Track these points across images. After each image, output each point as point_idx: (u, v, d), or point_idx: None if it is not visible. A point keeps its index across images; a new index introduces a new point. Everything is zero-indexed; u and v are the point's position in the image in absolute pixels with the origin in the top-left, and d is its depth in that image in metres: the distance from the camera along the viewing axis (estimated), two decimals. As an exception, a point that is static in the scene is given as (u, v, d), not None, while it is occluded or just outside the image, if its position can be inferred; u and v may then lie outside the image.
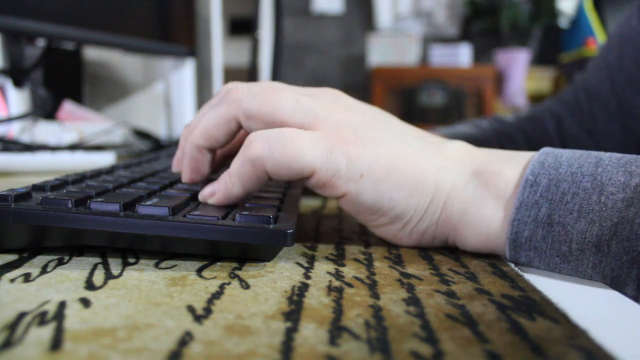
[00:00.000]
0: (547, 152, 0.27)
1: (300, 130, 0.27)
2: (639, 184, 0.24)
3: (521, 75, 2.88)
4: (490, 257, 0.27)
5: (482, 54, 3.12)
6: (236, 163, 0.27)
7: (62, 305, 0.18)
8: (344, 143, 0.26)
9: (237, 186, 0.27)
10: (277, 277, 0.23)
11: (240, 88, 0.29)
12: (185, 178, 0.31)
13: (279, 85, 0.29)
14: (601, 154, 0.26)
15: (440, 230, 0.28)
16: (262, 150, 0.26)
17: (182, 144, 0.32)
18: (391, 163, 0.27)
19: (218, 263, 0.25)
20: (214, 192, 0.28)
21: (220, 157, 0.34)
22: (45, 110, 0.71)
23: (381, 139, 0.27)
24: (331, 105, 0.28)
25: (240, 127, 0.29)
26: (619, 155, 0.26)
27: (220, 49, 1.07)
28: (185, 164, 0.31)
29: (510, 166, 0.27)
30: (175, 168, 0.33)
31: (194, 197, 0.29)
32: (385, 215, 0.27)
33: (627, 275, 0.23)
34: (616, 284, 0.23)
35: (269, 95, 0.28)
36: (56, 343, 0.15)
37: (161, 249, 0.25)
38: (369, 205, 0.27)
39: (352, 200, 0.27)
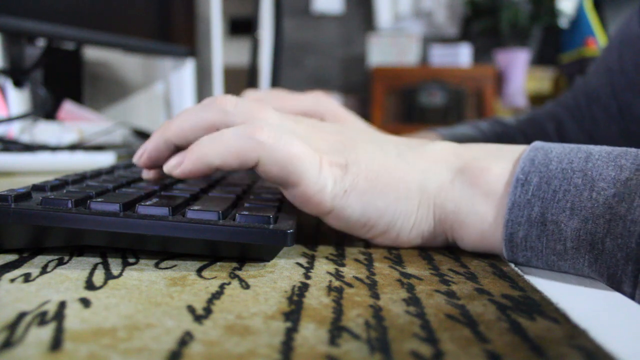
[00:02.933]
0: (537, 148, 0.27)
1: (300, 139, 0.27)
2: (629, 178, 0.24)
3: (521, 76, 2.88)
4: (490, 257, 0.27)
5: (482, 54, 3.12)
6: (229, 136, 0.26)
7: (62, 305, 0.18)
8: (328, 163, 0.27)
9: (216, 158, 0.26)
10: (277, 277, 0.23)
11: (228, 99, 0.29)
12: (140, 163, 0.31)
13: (266, 105, 0.29)
14: (591, 147, 0.26)
15: (439, 230, 0.28)
16: (267, 138, 0.25)
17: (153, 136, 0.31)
18: (372, 174, 0.27)
19: (218, 263, 0.25)
20: (182, 162, 0.27)
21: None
22: (45, 110, 0.71)
23: (361, 155, 0.27)
24: (311, 129, 0.29)
25: None
26: (609, 148, 0.26)
27: (220, 49, 1.07)
28: (147, 151, 0.30)
29: (499, 162, 0.27)
30: (135, 157, 0.31)
31: (194, 197, 0.29)
32: (376, 226, 0.28)
33: (623, 272, 0.23)
34: (613, 281, 0.23)
35: (256, 112, 0.28)
36: (56, 343, 0.15)
37: (161, 249, 0.25)
38: (357, 218, 0.27)
39: (339, 217, 0.27)
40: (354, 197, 0.27)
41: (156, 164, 0.31)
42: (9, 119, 0.63)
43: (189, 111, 0.29)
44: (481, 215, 0.26)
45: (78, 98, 0.98)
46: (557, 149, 0.26)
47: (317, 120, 0.31)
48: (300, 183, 0.26)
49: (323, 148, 0.28)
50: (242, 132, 0.26)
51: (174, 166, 0.27)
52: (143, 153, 0.30)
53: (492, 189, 0.26)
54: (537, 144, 0.27)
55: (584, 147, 0.26)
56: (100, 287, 0.21)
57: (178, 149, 0.30)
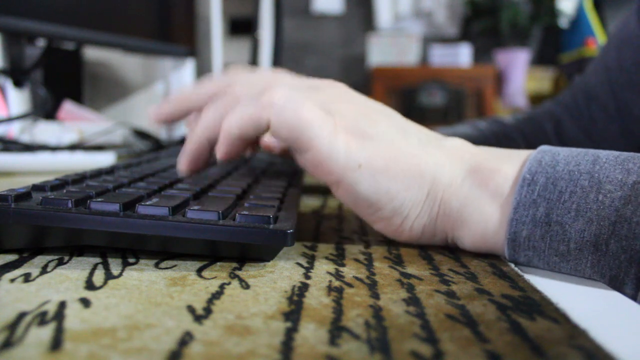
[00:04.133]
0: (545, 150, 0.27)
1: (317, 106, 0.27)
2: (636, 181, 0.24)
3: (521, 75, 2.88)
4: (490, 257, 0.27)
5: (482, 54, 3.12)
6: (244, 103, 0.27)
7: (62, 305, 0.18)
8: (346, 132, 0.26)
9: (235, 128, 0.27)
10: (277, 277, 0.23)
11: (239, 81, 0.30)
12: (185, 168, 0.32)
13: (281, 75, 0.29)
14: (599, 151, 0.26)
15: (440, 227, 0.28)
16: (278, 100, 0.26)
17: (189, 138, 0.32)
18: (390, 155, 0.27)
19: (218, 263, 0.25)
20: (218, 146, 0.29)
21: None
22: (45, 110, 0.71)
23: (382, 133, 0.27)
24: (334, 97, 0.29)
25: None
26: (617, 153, 0.26)
27: (220, 49, 1.07)
28: (188, 153, 0.31)
29: (508, 164, 0.27)
30: (183, 165, 0.33)
31: (194, 197, 0.29)
32: (382, 209, 0.27)
33: (625, 274, 0.23)
34: (615, 283, 0.23)
35: (273, 80, 0.29)
36: (56, 343, 0.15)
37: (161, 249, 0.25)
38: (366, 197, 0.27)
39: (349, 190, 0.27)
40: (368, 174, 0.26)
41: (200, 161, 0.32)
42: (9, 119, 0.63)
43: (205, 111, 0.31)
44: (486, 215, 0.26)
45: (78, 98, 0.98)
46: (564, 152, 0.26)
47: (341, 86, 0.31)
48: (311, 147, 0.26)
49: (344, 115, 0.27)
50: (256, 97, 0.27)
51: (218, 154, 0.29)
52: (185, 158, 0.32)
53: (499, 190, 0.26)
54: (544, 147, 0.27)
55: (591, 151, 0.26)
56: (100, 287, 0.21)
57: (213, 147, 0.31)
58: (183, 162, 0.32)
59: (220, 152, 0.29)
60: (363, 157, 0.26)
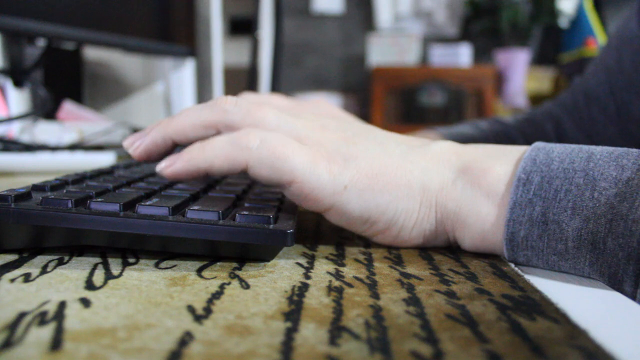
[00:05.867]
0: (539, 148, 0.27)
1: (291, 139, 0.27)
2: (631, 177, 0.24)
3: (521, 75, 2.88)
4: (490, 257, 0.27)
5: (482, 54, 3.12)
6: (219, 142, 0.27)
7: (62, 305, 0.18)
8: (326, 159, 0.27)
9: (204, 162, 0.27)
10: (277, 277, 0.23)
11: (228, 99, 0.29)
12: (134, 153, 0.30)
13: (265, 103, 0.29)
14: (592, 148, 0.26)
15: (440, 229, 0.28)
16: (253, 142, 0.26)
17: (150, 128, 0.31)
18: (373, 171, 0.27)
19: (218, 263, 0.25)
20: (173, 163, 0.27)
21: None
22: (45, 110, 0.71)
23: (362, 153, 0.27)
24: (313, 125, 0.29)
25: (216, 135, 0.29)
26: (611, 148, 0.26)
27: (220, 49, 1.07)
28: (144, 143, 0.30)
29: (501, 162, 0.27)
30: (127, 143, 0.31)
31: (194, 197, 0.29)
32: (377, 223, 0.28)
33: (624, 271, 0.23)
34: (613, 281, 0.23)
35: (254, 111, 0.28)
36: (56, 343, 0.15)
37: (161, 249, 0.25)
38: (357, 215, 0.27)
39: (339, 213, 0.27)
40: (355, 193, 0.27)
41: (150, 157, 0.31)
42: (9, 119, 0.63)
43: (190, 110, 0.30)
44: (482, 215, 0.26)
45: (78, 98, 0.98)
46: (558, 149, 0.26)
47: (320, 114, 0.31)
48: (295, 181, 0.26)
49: (323, 143, 0.28)
50: (229, 138, 0.27)
51: (165, 167, 0.27)
52: (139, 145, 0.30)
53: (493, 189, 0.26)
54: (538, 144, 0.27)
55: (585, 147, 0.26)
56: (100, 287, 0.21)
57: (174, 147, 0.30)
58: (139, 152, 0.30)
59: (173, 170, 0.27)
60: (347, 178, 0.27)
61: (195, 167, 0.27)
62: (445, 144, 0.29)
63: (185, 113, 0.30)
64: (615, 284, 0.23)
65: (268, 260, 0.26)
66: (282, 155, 0.26)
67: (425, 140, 0.30)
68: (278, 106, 0.29)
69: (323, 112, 0.31)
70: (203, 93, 1.06)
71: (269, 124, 0.28)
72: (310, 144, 0.27)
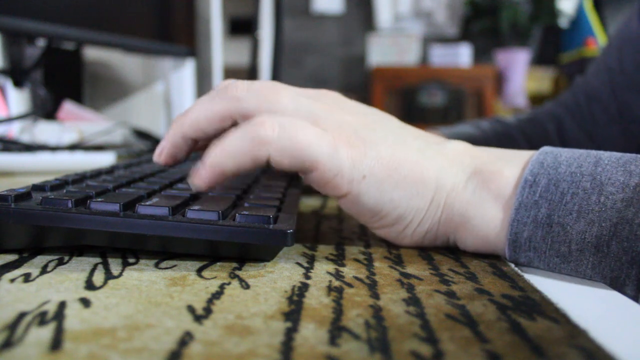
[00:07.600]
0: (547, 152, 0.27)
1: (309, 124, 0.26)
2: (638, 183, 0.24)
3: (521, 75, 2.88)
4: (490, 257, 0.27)
5: (482, 54, 3.12)
6: (234, 141, 0.26)
7: (62, 305, 0.18)
8: (346, 144, 0.26)
9: (228, 165, 0.26)
10: (277, 277, 0.23)
11: (239, 86, 0.28)
12: (161, 160, 0.30)
13: (279, 85, 0.28)
14: (601, 153, 0.26)
15: (442, 230, 0.28)
16: (271, 132, 0.25)
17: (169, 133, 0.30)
18: (393, 164, 0.26)
19: (218, 263, 0.25)
20: (199, 173, 0.26)
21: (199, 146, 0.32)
22: (45, 110, 0.71)
23: (381, 141, 0.27)
24: (331, 107, 0.28)
25: (233, 125, 0.28)
26: (619, 154, 0.26)
27: (220, 49, 1.07)
28: (165, 148, 0.30)
29: (510, 166, 0.27)
30: (154, 156, 0.31)
31: (194, 197, 0.29)
32: (387, 217, 0.27)
33: (626, 275, 0.23)
34: (616, 284, 0.23)
35: (268, 94, 0.27)
36: (56, 343, 0.15)
37: (161, 249, 0.25)
38: (371, 207, 0.27)
39: (353, 201, 0.27)
40: (372, 184, 0.26)
41: (176, 159, 0.30)
42: (9, 119, 0.63)
43: (201, 103, 0.29)
44: (488, 217, 0.26)
45: (78, 98, 0.98)
46: (566, 153, 0.26)
47: (336, 95, 0.30)
48: (317, 167, 0.26)
49: (342, 126, 0.27)
50: (244, 133, 0.25)
51: (197, 181, 0.26)
52: (162, 151, 0.30)
53: (501, 192, 0.26)
54: (546, 148, 0.27)
55: (593, 152, 0.26)
56: (100, 287, 0.21)
57: (196, 142, 0.29)
58: (163, 158, 0.30)
59: (204, 182, 0.26)
60: (366, 167, 0.26)
61: (222, 173, 0.26)
62: (461, 144, 0.29)
63: (197, 107, 0.28)
64: (617, 287, 0.23)
65: (268, 260, 0.26)
66: (303, 144, 0.25)
67: (440, 138, 0.30)
68: (293, 89, 0.28)
69: (336, 96, 0.30)
70: (203, 93, 1.06)
71: (286, 108, 0.27)
72: (328, 127, 0.27)
